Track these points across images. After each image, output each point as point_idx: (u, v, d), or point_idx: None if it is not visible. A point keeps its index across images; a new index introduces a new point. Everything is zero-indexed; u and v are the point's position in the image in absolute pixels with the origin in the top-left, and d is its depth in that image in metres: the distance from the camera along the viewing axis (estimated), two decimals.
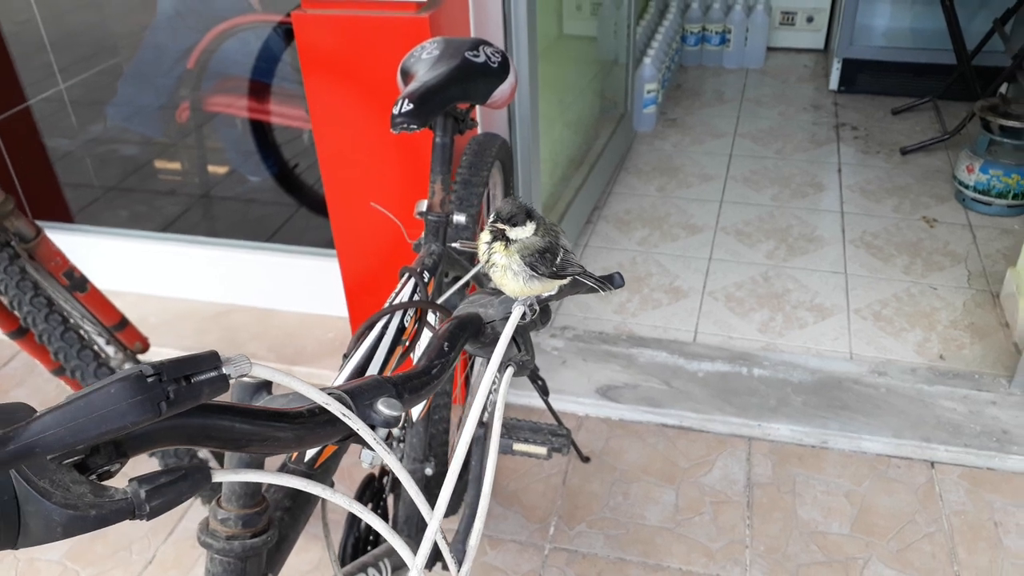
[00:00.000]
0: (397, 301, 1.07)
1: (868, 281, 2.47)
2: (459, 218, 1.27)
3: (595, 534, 1.79)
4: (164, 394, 0.42)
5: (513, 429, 1.35)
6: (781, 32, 4.09)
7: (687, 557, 1.72)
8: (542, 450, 1.33)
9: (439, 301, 1.20)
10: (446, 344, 0.70)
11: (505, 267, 0.73)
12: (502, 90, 1.22)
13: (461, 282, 1.24)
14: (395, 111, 1.03)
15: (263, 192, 2.85)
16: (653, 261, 2.62)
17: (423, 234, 1.42)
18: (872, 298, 2.40)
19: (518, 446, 1.32)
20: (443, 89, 1.10)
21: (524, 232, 0.72)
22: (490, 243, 0.73)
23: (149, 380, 0.42)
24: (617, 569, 1.71)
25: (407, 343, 1.03)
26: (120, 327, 1.57)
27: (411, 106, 1.02)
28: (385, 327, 0.99)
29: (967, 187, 2.74)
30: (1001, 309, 2.31)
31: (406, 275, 1.12)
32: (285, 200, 2.82)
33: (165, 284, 2.54)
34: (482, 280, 1.53)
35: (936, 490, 1.83)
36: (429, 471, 1.42)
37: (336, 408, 0.54)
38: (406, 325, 1.04)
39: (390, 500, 1.37)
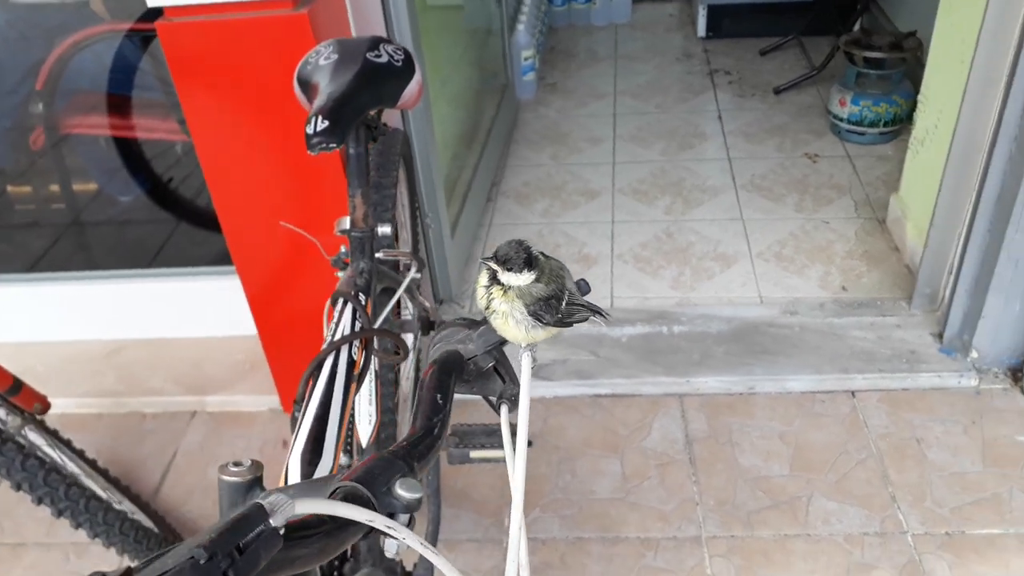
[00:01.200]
0: (339, 331, 1.01)
1: (764, 223, 2.55)
2: (384, 229, 1.21)
3: (550, 517, 1.78)
4: (222, 573, 0.38)
5: (466, 436, 1.30)
6: None
7: (643, 524, 1.74)
8: (501, 453, 1.29)
9: (379, 322, 1.13)
10: (439, 396, 0.66)
11: (506, 314, 0.68)
12: (410, 89, 1.15)
13: (394, 299, 1.18)
14: (309, 130, 0.95)
15: (137, 212, 2.66)
16: (559, 232, 2.61)
17: (343, 250, 1.35)
18: (771, 239, 2.48)
19: (475, 453, 1.27)
20: (354, 98, 1.03)
21: (521, 280, 0.67)
22: (488, 286, 0.68)
23: (204, 564, 0.37)
24: (577, 549, 1.71)
25: (356, 377, 0.97)
26: (14, 390, 1.42)
27: (326, 123, 0.95)
28: (335, 365, 0.92)
29: (841, 120, 2.85)
30: (889, 234, 2.43)
31: (341, 301, 1.05)
32: (162, 217, 2.64)
33: (44, 328, 2.34)
34: (414, 292, 1.47)
35: (860, 418, 1.92)
36: None
37: (381, 523, 0.49)
38: (355, 358, 0.98)
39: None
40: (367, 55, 1.11)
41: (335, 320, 1.04)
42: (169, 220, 2.60)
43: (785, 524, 1.72)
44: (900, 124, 2.81)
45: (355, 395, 0.96)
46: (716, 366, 2.04)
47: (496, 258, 0.67)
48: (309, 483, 0.57)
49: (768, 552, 1.67)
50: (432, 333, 0.78)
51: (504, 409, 0.74)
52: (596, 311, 0.73)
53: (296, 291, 1.87)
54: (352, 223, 1.14)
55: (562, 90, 3.48)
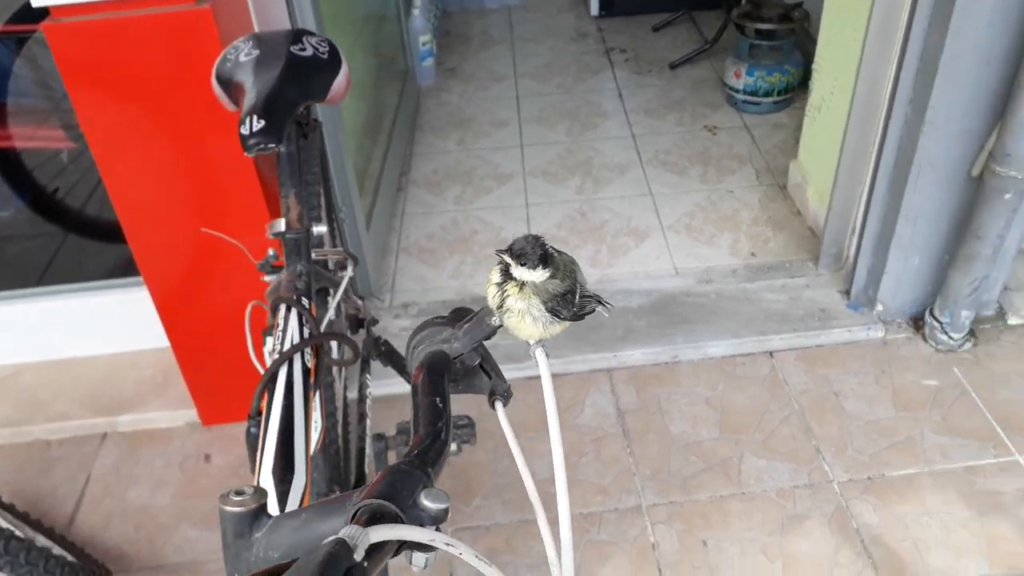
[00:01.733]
0: (287, 339, 0.97)
1: (672, 197, 2.61)
2: (319, 229, 1.17)
3: (492, 504, 1.79)
4: None
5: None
6: None
7: (583, 499, 1.77)
8: (452, 446, 1.28)
9: (324, 325, 1.10)
10: (438, 400, 0.64)
11: (523, 312, 0.66)
12: (339, 82, 1.12)
13: (335, 300, 1.15)
14: (244, 131, 0.91)
15: (19, 226, 2.50)
16: (474, 218, 2.60)
17: (270, 253, 1.30)
18: (680, 211, 2.54)
19: None
20: (284, 94, 0.99)
21: (536, 276, 0.66)
22: (502, 283, 0.66)
23: None
24: (523, 531, 1.72)
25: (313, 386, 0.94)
26: None
27: (263, 122, 0.91)
28: (290, 374, 0.89)
29: (737, 91, 2.95)
30: (791, 199, 2.54)
31: (283, 307, 1.02)
32: (49, 230, 2.49)
33: None
34: (348, 290, 1.43)
35: (780, 377, 2.01)
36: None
37: (441, 541, 0.48)
38: (308, 365, 0.95)
39: None
40: (291, 49, 1.07)
41: (279, 327, 1.01)
42: (56, 233, 2.45)
43: (720, 485, 1.78)
44: (792, 93, 2.93)
45: (314, 403, 0.93)
46: (640, 339, 2.08)
47: (512, 252, 0.66)
48: (325, 504, 0.54)
49: (706, 514, 1.73)
50: (412, 335, 0.76)
51: (499, 406, 0.73)
52: (600, 302, 0.72)
53: (210, 298, 1.80)
54: (287, 224, 1.10)
55: (462, 74, 3.45)
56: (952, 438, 1.82)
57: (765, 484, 1.78)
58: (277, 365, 0.92)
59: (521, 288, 0.66)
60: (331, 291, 1.30)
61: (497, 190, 2.72)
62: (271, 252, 1.36)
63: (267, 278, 1.38)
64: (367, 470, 1.37)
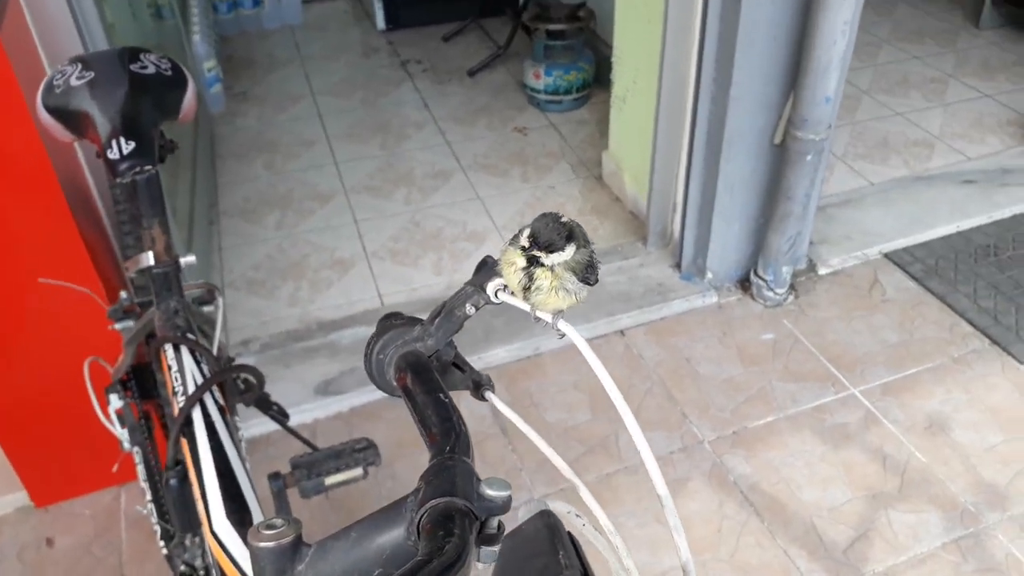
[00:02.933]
0: (187, 379, 0.87)
1: (500, 198, 2.65)
2: (189, 259, 1.05)
3: None
4: None
5: (313, 465, 1.20)
6: None
7: None
8: (357, 472, 1.21)
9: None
10: (440, 395, 0.59)
11: (556, 288, 0.62)
12: (189, 99, 1.01)
13: (217, 333, 1.04)
14: (113, 155, 0.80)
15: None
16: (302, 241, 2.48)
17: (123, 296, 1.16)
18: (511, 211, 2.58)
19: (330, 480, 1.18)
20: (142, 113, 0.88)
21: (564, 256, 0.61)
22: (528, 268, 0.61)
23: None
24: None
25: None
26: None
27: (132, 143, 0.80)
28: (206, 414, 0.80)
29: (539, 92, 3.05)
30: (608, 188, 2.66)
31: (170, 347, 0.90)
32: None
33: None
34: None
35: (635, 352, 2.09)
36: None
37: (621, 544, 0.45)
38: (219, 401, 0.85)
39: None
40: (131, 67, 0.95)
41: (174, 369, 0.90)
42: None
43: (604, 464, 1.82)
44: (589, 89, 3.08)
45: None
46: (501, 337, 2.09)
47: (539, 244, 0.61)
48: (373, 517, 0.49)
49: (597, 493, 1.75)
50: (370, 341, 0.70)
51: (490, 394, 0.69)
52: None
53: (31, 361, 1.57)
54: (155, 258, 0.98)
55: (254, 98, 3.29)
56: (796, 383, 1.99)
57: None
58: (190, 406, 0.81)
59: (552, 269, 0.62)
60: (198, 328, 1.18)
61: (320, 210, 2.61)
62: (123, 296, 1.22)
63: (117, 326, 1.23)
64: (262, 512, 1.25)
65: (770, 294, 2.20)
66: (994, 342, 2.05)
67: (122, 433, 1.28)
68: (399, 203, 2.63)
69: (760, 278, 2.20)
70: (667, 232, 2.34)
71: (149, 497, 1.28)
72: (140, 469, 1.28)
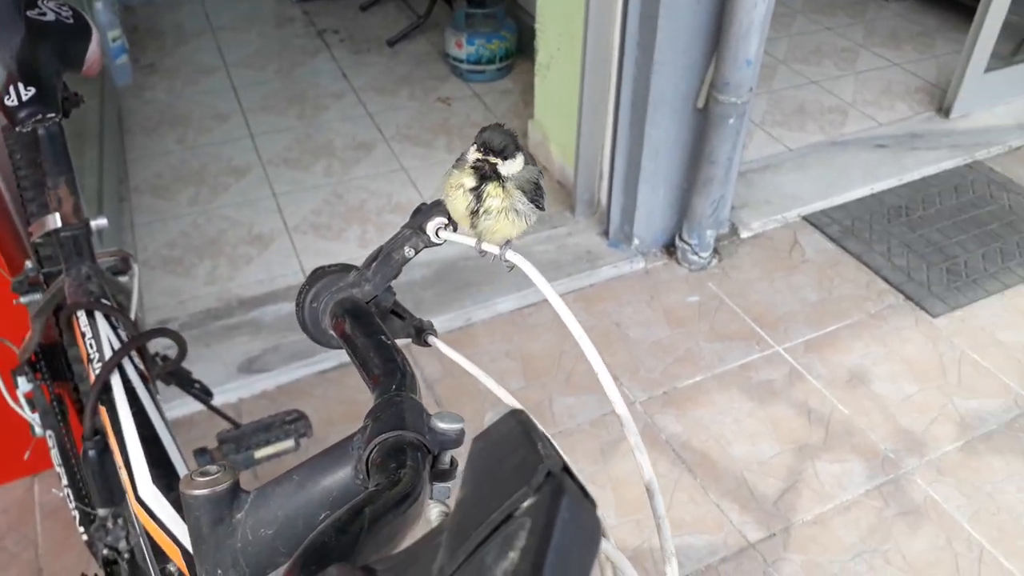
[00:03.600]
0: (104, 346, 0.81)
1: (425, 169, 2.61)
2: (100, 222, 0.98)
3: None
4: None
5: (242, 439, 1.16)
6: None
7: None
8: (288, 443, 1.17)
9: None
10: (383, 336, 0.57)
11: (506, 210, 0.59)
12: (93, 51, 0.95)
13: (134, 301, 0.98)
14: (11, 102, 0.73)
15: None
16: (219, 217, 2.39)
17: (28, 266, 1.08)
18: (437, 182, 2.54)
19: (260, 453, 1.13)
20: (42, 60, 0.81)
21: (516, 165, 0.59)
22: (477, 187, 0.58)
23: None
24: None
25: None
26: None
27: (32, 90, 0.73)
28: (127, 382, 0.75)
29: (461, 61, 3.00)
30: (536, 157, 2.64)
31: (83, 314, 0.85)
32: None
33: None
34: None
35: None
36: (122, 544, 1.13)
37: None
38: (139, 368, 0.80)
39: None
40: (28, 13, 0.88)
41: (88, 336, 0.84)
42: None
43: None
44: (512, 58, 3.05)
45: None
46: (432, 309, 2.06)
47: (492, 150, 0.58)
48: (316, 459, 0.47)
49: None
50: (302, 290, 0.66)
51: (433, 339, 0.66)
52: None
53: None
54: (62, 219, 0.91)
55: (163, 70, 3.14)
56: (722, 343, 2.03)
57: (578, 419, 1.85)
58: (108, 372, 0.76)
59: (504, 186, 0.60)
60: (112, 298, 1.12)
61: (236, 185, 2.52)
62: (29, 266, 1.14)
63: (23, 300, 1.15)
64: None
65: (695, 258, 2.23)
66: (908, 298, 2.13)
67: (33, 417, 1.21)
68: (319, 175, 2.56)
69: (685, 243, 2.23)
70: (594, 200, 2.35)
71: (66, 482, 1.21)
72: (54, 453, 1.21)
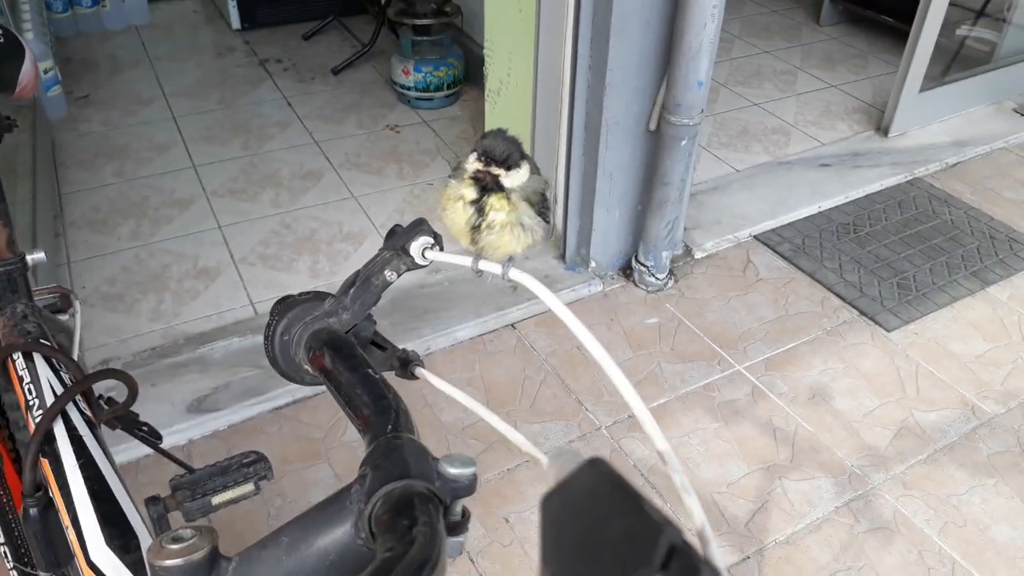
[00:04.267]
0: (44, 392, 0.75)
1: (376, 196, 2.56)
2: (38, 255, 0.91)
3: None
4: None
5: (197, 484, 1.08)
6: None
7: None
8: (248, 487, 1.09)
9: None
10: (369, 370, 0.52)
11: (512, 224, 0.54)
12: (27, 71, 0.89)
13: (76, 339, 0.91)
14: None
15: None
16: (161, 251, 2.29)
17: None
18: (390, 209, 2.50)
19: (217, 499, 1.06)
20: None
21: (521, 176, 0.54)
22: (479, 200, 0.54)
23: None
24: None
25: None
26: None
27: None
28: (72, 430, 0.69)
29: (409, 88, 2.97)
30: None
31: (20, 357, 0.78)
32: None
33: None
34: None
35: (527, 344, 2.06)
36: None
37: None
38: (86, 414, 0.74)
39: None
40: None
41: (27, 380, 0.77)
42: None
43: (504, 460, 1.77)
44: (460, 85, 3.03)
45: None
46: (389, 338, 1.99)
47: (495, 160, 0.54)
48: (309, 515, 0.41)
49: (500, 490, 1.71)
50: (270, 321, 0.62)
51: (421, 371, 0.62)
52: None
53: None
54: None
55: (99, 102, 3.04)
56: (684, 364, 2.02)
57: (543, 447, 1.80)
58: (50, 419, 0.70)
59: (508, 197, 0.56)
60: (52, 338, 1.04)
61: (180, 217, 2.43)
62: None
63: None
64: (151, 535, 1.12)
65: (652, 279, 2.22)
66: (862, 313, 2.16)
67: None
68: (266, 206, 2.49)
69: (641, 264, 2.22)
70: (549, 225, 2.32)
71: (2, 539, 1.12)
72: None
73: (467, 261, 0.58)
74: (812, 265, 2.31)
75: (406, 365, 0.62)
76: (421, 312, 2.09)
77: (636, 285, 2.25)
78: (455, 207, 0.57)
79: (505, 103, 2.39)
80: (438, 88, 2.97)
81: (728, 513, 1.68)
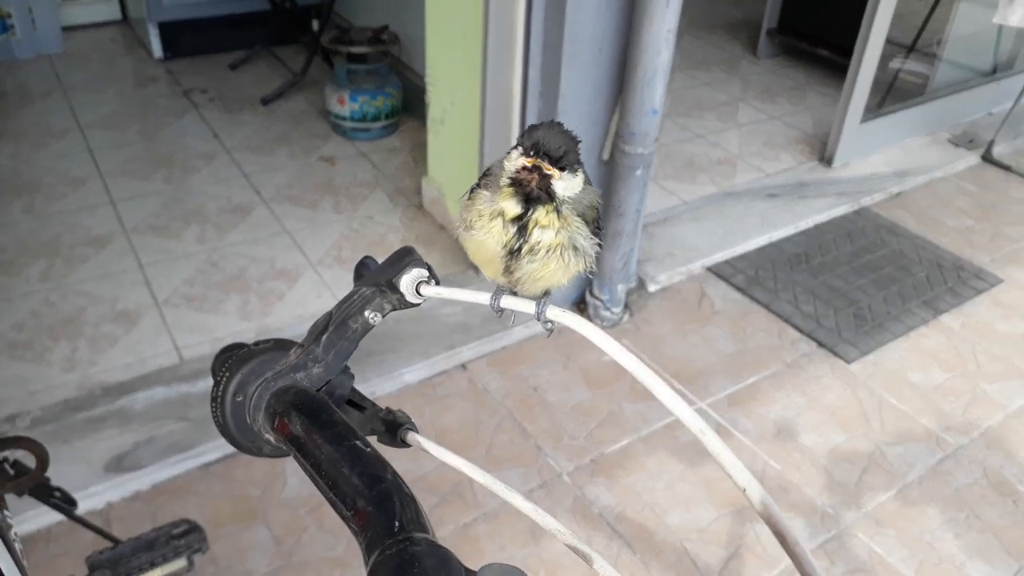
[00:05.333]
0: None
1: (311, 230, 2.41)
2: None
3: None
4: None
5: (119, 562, 0.92)
6: (70, 8, 3.57)
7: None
8: (180, 563, 0.94)
9: None
10: (358, 442, 0.40)
11: (563, 247, 0.42)
12: None
13: None
14: None
15: None
16: (76, 294, 2.10)
17: None
18: (327, 244, 2.35)
19: None
20: None
21: (576, 183, 0.42)
22: (523, 217, 0.41)
23: None
24: None
25: None
26: None
27: None
28: None
29: (345, 119, 2.85)
30: (431, 216, 2.50)
31: None
32: None
33: None
34: None
35: (480, 386, 1.94)
36: None
37: None
38: None
39: None
40: None
41: None
42: None
43: (460, 513, 1.64)
44: (399, 116, 2.92)
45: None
46: None
47: (548, 156, 0.42)
48: None
49: (455, 546, 1.56)
50: (219, 378, 0.48)
51: (414, 435, 0.49)
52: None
53: None
54: None
55: (6, 133, 2.82)
56: (644, 403, 1.92)
57: (501, 497, 1.68)
58: None
59: (558, 211, 0.44)
60: None
61: (96, 256, 2.24)
62: None
63: None
64: None
65: (607, 314, 2.13)
66: (821, 344, 2.11)
67: None
68: (191, 243, 2.31)
69: (596, 298, 2.14)
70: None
71: None
72: None
73: (476, 297, 0.47)
74: (767, 296, 2.26)
75: (394, 430, 0.50)
76: (364, 354, 1.94)
77: (591, 320, 2.15)
78: (488, 225, 0.45)
79: (450, 132, 2.29)
80: (375, 118, 2.85)
81: (700, 561, 1.57)
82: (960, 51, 3.34)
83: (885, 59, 2.77)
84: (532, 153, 0.43)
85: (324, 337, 0.48)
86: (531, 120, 1.91)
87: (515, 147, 0.44)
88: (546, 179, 0.43)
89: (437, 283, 0.48)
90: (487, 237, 0.44)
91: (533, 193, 0.43)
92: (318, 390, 0.48)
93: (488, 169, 0.47)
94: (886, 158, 2.95)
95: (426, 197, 2.51)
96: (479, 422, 1.84)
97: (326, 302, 2.13)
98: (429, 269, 0.48)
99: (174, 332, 2.00)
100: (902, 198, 2.78)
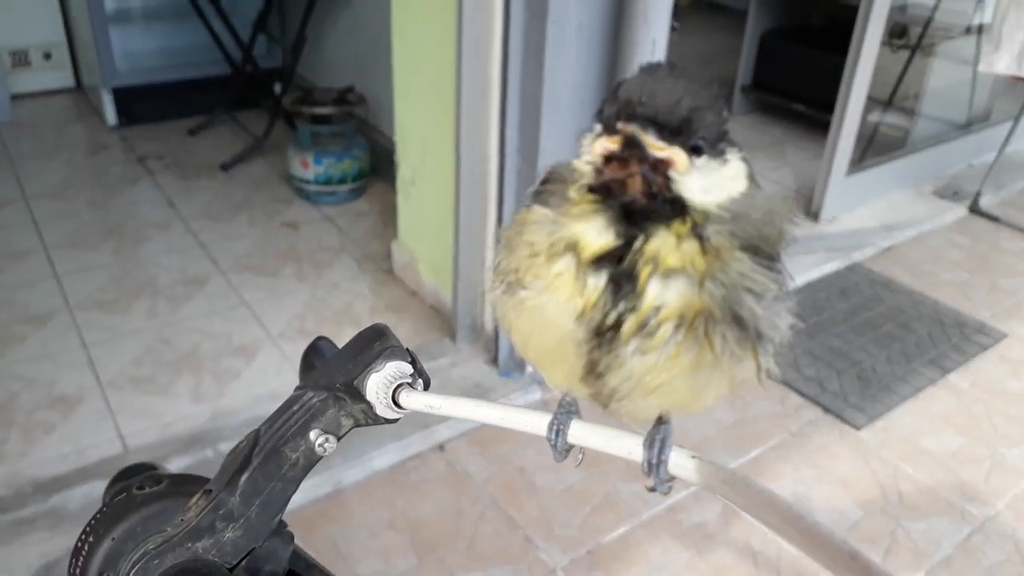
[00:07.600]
0: None
1: (272, 301, 2.23)
2: None
3: None
4: None
5: None
6: (20, 75, 3.41)
7: None
8: None
9: None
10: None
11: (709, 318, 0.26)
12: None
13: None
14: None
15: None
16: (9, 376, 1.89)
17: None
18: (288, 315, 2.17)
19: None
20: None
21: (730, 173, 0.26)
22: (628, 247, 0.24)
23: None
24: None
25: None
26: None
27: None
28: None
29: (308, 182, 2.70)
30: (402, 281, 2.34)
31: None
32: None
33: None
34: None
35: (459, 469, 1.75)
36: None
37: None
38: None
39: None
40: None
41: None
42: None
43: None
44: (366, 178, 2.78)
45: None
46: None
47: (656, 124, 0.25)
48: None
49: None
50: (76, 548, 0.31)
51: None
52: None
53: None
54: None
55: None
56: (642, 483, 1.74)
57: None
58: None
59: (699, 235, 0.27)
60: None
61: (35, 335, 2.04)
62: None
63: None
64: None
65: None
66: (827, 410, 1.96)
67: None
68: (140, 318, 2.12)
69: None
70: (477, 325, 2.06)
71: None
72: None
73: (515, 420, 0.30)
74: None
75: None
76: None
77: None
78: (550, 275, 0.27)
79: (421, 193, 2.15)
80: (341, 181, 2.71)
81: None
82: (936, 104, 3.31)
83: (864, 113, 2.70)
84: (624, 122, 0.26)
85: (243, 478, 0.31)
86: (509, 177, 1.78)
87: (596, 113, 0.28)
88: (661, 172, 0.26)
89: (426, 386, 0.31)
90: (547, 301, 0.27)
91: (637, 203, 0.26)
92: (231, 568, 0.31)
93: (546, 176, 0.30)
94: (872, 212, 2.86)
95: (396, 262, 2.35)
96: (459, 511, 1.65)
97: (288, 379, 1.94)
98: (413, 361, 0.31)
99: (118, 417, 1.80)
100: (893, 252, 2.67)
